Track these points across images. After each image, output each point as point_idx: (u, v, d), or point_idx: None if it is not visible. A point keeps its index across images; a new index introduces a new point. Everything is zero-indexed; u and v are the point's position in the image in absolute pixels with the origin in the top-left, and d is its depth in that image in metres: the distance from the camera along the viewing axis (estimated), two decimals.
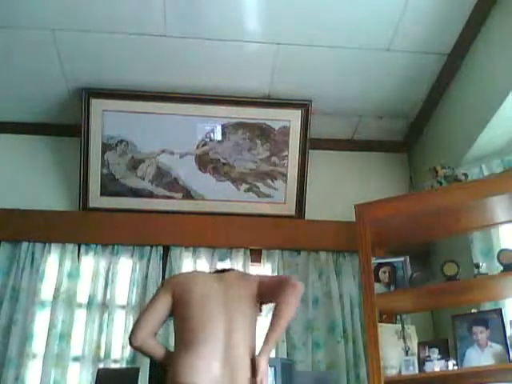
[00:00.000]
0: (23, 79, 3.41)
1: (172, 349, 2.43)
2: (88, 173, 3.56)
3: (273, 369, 2.59)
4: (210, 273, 2.74)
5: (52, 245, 3.47)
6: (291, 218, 3.69)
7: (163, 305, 2.45)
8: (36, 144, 3.76)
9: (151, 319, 2.43)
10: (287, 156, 3.65)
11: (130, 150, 3.58)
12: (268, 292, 2.47)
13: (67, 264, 3.43)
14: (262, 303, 2.52)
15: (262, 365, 2.27)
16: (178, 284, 2.49)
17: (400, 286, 3.01)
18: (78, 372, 3.19)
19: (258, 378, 2.23)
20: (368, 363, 2.82)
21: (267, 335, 2.34)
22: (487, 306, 2.89)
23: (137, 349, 2.45)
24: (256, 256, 3.58)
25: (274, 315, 2.38)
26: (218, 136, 3.61)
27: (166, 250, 3.54)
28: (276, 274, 3.51)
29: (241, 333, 2.34)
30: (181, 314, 2.39)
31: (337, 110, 3.69)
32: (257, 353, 2.33)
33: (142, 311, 2.61)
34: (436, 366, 2.73)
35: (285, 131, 3.61)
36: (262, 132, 3.61)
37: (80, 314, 3.34)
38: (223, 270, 2.68)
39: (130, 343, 2.41)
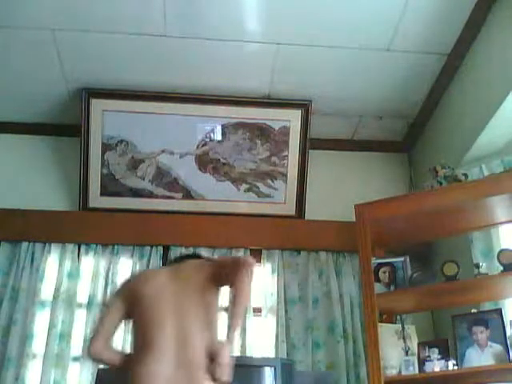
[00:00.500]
0: (23, 79, 3.41)
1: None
2: (88, 173, 3.56)
3: (273, 369, 2.59)
4: (166, 266, 2.68)
5: (52, 245, 3.47)
6: (291, 218, 3.69)
7: (116, 312, 2.41)
8: (36, 144, 3.76)
9: (105, 330, 2.38)
10: (287, 156, 3.65)
11: (130, 150, 3.58)
12: (223, 276, 2.42)
13: (67, 264, 3.43)
14: (221, 285, 2.47)
15: (222, 354, 2.19)
16: (129, 288, 2.46)
17: (400, 286, 3.02)
18: (78, 372, 3.19)
19: (217, 368, 2.16)
20: (368, 363, 2.82)
21: (228, 325, 2.30)
22: (487, 306, 2.89)
23: (93, 360, 2.45)
24: (256, 256, 3.57)
25: (230, 302, 2.36)
26: (218, 136, 3.61)
27: (166, 250, 3.54)
28: (276, 274, 3.52)
29: (197, 327, 2.29)
30: (134, 318, 2.37)
31: (337, 110, 3.69)
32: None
33: (97, 320, 2.56)
34: (436, 366, 2.73)
35: (285, 131, 3.61)
36: (262, 132, 3.61)
37: (80, 314, 3.34)
38: (181, 258, 2.63)
39: (87, 355, 2.40)
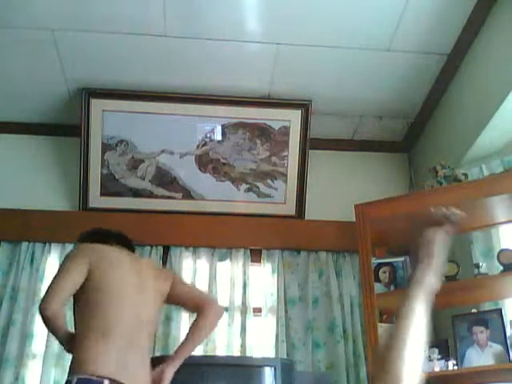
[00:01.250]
0: (23, 79, 3.41)
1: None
2: (88, 173, 3.56)
3: (273, 369, 2.59)
4: (121, 249, 2.46)
5: (52, 245, 3.47)
6: (291, 218, 3.69)
7: (79, 275, 2.21)
8: (36, 144, 3.76)
9: (67, 288, 2.18)
10: (287, 156, 3.65)
11: (130, 150, 3.58)
12: (183, 301, 2.41)
13: None
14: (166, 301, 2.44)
15: (168, 375, 2.20)
16: (96, 259, 2.26)
17: (400, 286, 3.01)
18: None
19: None
20: (368, 363, 2.82)
21: (180, 349, 2.28)
22: (487, 306, 2.89)
23: (47, 319, 2.16)
24: (256, 256, 3.58)
25: (192, 331, 2.33)
26: (218, 136, 3.61)
27: (166, 250, 3.54)
28: (276, 274, 3.52)
29: (149, 328, 2.27)
30: (93, 296, 2.19)
31: (337, 110, 3.69)
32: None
33: (55, 277, 2.27)
34: (436, 366, 2.72)
35: (285, 131, 3.61)
36: (262, 132, 3.61)
37: None
38: (128, 242, 2.53)
39: (42, 311, 2.13)
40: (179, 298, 2.43)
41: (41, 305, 2.16)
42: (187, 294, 2.44)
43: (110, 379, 2.02)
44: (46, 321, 2.18)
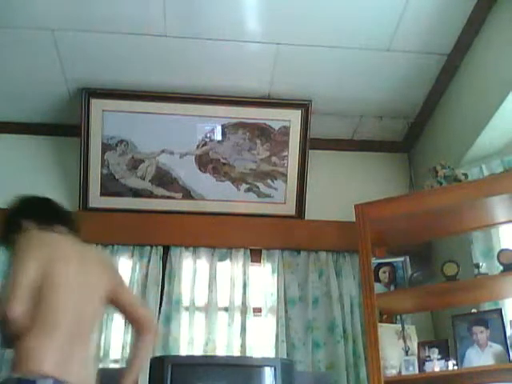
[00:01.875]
0: (23, 79, 3.41)
1: None
2: (88, 173, 3.56)
3: (273, 369, 2.59)
4: (67, 236, 2.32)
5: None
6: (291, 218, 3.69)
7: (32, 273, 2.05)
8: (36, 144, 3.75)
9: (23, 292, 2.02)
10: (287, 156, 3.65)
11: (130, 150, 3.57)
12: (123, 309, 2.34)
13: None
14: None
15: None
16: (43, 253, 2.12)
17: (400, 286, 3.02)
18: None
19: None
20: (368, 363, 2.82)
21: (125, 374, 2.23)
22: (487, 306, 2.89)
23: (9, 321, 2.00)
24: (256, 256, 3.58)
25: (133, 354, 2.30)
26: (218, 136, 3.61)
27: (166, 250, 3.54)
28: (276, 274, 3.52)
29: (93, 326, 2.23)
30: (37, 292, 2.04)
31: (337, 110, 3.69)
32: None
33: (11, 274, 2.09)
34: (436, 365, 2.73)
35: (285, 131, 3.61)
36: (262, 132, 3.61)
37: None
38: (72, 223, 2.38)
39: (7, 315, 1.97)
40: (119, 303, 2.33)
41: (5, 308, 2.00)
42: (128, 304, 2.35)
43: (53, 377, 1.95)
44: (6, 323, 2.04)
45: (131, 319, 2.34)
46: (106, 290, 2.27)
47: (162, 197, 3.63)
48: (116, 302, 2.33)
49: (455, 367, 2.70)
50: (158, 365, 2.55)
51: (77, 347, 2.07)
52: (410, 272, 3.03)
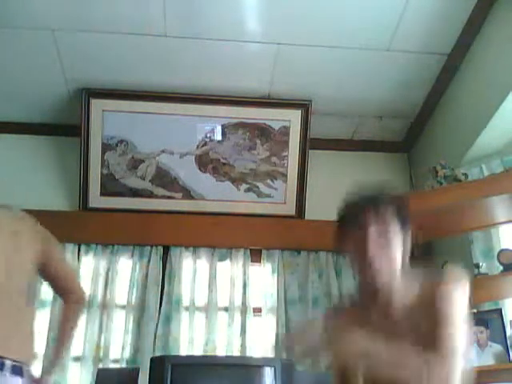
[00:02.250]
0: (23, 79, 3.41)
1: None
2: (88, 173, 3.56)
3: (273, 369, 2.59)
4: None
5: None
6: (291, 218, 3.69)
7: None
8: (36, 144, 3.75)
9: None
10: (287, 156, 3.65)
11: (130, 150, 3.58)
12: (53, 277, 2.30)
13: None
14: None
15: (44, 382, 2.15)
16: None
17: None
18: (78, 372, 3.19)
19: None
20: None
21: (53, 360, 2.25)
22: (487, 306, 2.89)
23: None
24: (256, 256, 3.58)
25: (59, 335, 2.29)
26: (218, 136, 3.61)
27: (166, 250, 3.54)
28: (276, 274, 3.52)
29: (24, 294, 2.15)
30: None
31: (337, 110, 3.69)
32: None
33: None
34: None
35: (285, 131, 3.61)
36: (262, 132, 3.61)
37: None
38: None
39: None
40: (50, 273, 2.30)
41: None
42: (63, 275, 2.33)
43: None
44: None
45: (63, 288, 2.31)
46: (38, 260, 2.23)
47: (162, 197, 3.63)
48: (48, 271, 2.30)
49: None
50: (158, 365, 2.55)
51: (12, 321, 2.02)
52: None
